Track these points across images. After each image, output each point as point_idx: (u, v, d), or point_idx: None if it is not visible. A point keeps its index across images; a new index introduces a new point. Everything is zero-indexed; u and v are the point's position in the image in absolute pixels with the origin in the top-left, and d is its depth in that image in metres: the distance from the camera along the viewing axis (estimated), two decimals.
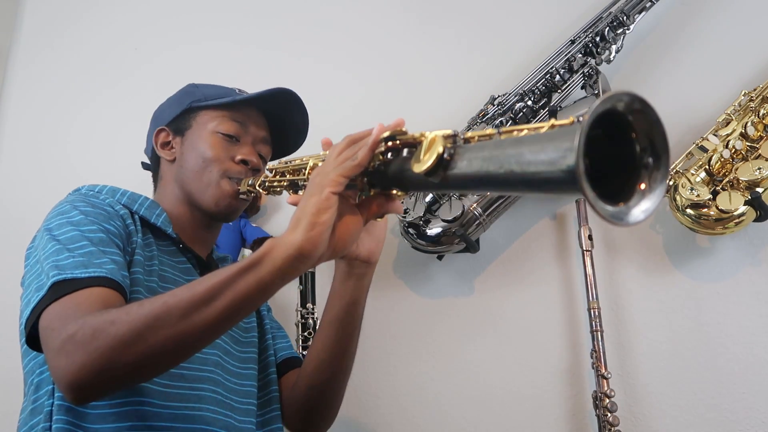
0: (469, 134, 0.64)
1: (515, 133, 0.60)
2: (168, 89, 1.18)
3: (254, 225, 1.49)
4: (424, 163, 0.64)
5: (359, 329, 1.01)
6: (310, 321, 1.33)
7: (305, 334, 1.32)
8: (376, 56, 1.62)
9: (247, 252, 1.44)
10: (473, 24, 1.60)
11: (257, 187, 1.01)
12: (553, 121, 0.56)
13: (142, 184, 1.17)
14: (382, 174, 0.74)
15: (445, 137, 0.65)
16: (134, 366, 0.72)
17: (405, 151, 0.72)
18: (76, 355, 0.71)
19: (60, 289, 0.78)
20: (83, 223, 0.87)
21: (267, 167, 1.03)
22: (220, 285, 0.72)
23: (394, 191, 0.78)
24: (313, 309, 1.34)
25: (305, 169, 0.91)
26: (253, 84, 1.18)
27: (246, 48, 1.67)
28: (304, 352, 1.30)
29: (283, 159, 1.02)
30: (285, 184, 0.96)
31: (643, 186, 0.56)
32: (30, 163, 1.67)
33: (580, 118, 0.51)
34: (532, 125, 0.58)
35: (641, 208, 0.55)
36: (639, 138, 0.56)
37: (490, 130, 0.63)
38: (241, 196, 1.05)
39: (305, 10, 1.69)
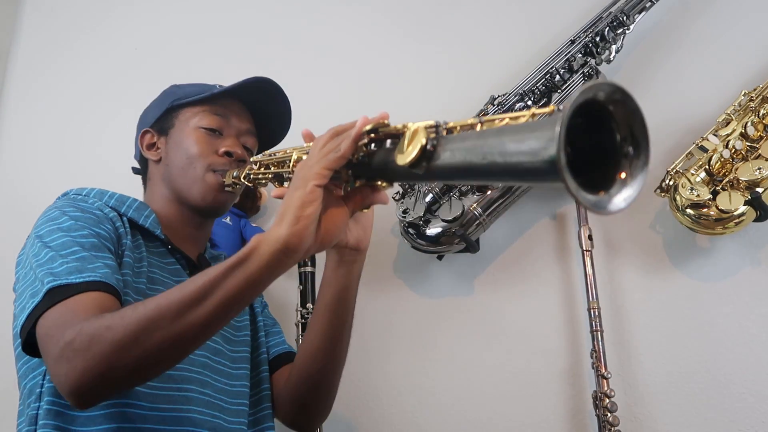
0: (451, 124, 0.65)
1: (497, 122, 0.60)
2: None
3: (254, 225, 1.49)
4: (407, 155, 0.64)
5: (352, 317, 1.01)
6: None
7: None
8: (376, 55, 1.62)
9: None
10: (474, 24, 1.60)
11: (242, 180, 1.01)
12: (534, 109, 0.57)
13: (141, 185, 1.17)
14: (367, 166, 0.75)
15: (428, 128, 0.65)
16: (133, 368, 0.73)
17: (388, 142, 0.72)
18: (76, 362, 0.72)
19: (55, 295, 0.78)
20: (74, 228, 0.87)
21: (252, 160, 1.03)
22: (210, 284, 0.73)
23: (379, 182, 0.78)
24: (313, 309, 1.33)
25: (289, 162, 0.91)
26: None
27: (238, 46, 1.68)
28: None
29: (267, 151, 1.01)
30: (270, 176, 0.96)
31: (623, 175, 0.56)
32: (30, 164, 1.67)
33: (560, 107, 0.51)
34: (512, 114, 0.59)
35: (623, 196, 0.56)
36: (619, 127, 0.56)
37: (471, 120, 0.63)
38: (227, 189, 1.04)
39: (307, 10, 1.69)
